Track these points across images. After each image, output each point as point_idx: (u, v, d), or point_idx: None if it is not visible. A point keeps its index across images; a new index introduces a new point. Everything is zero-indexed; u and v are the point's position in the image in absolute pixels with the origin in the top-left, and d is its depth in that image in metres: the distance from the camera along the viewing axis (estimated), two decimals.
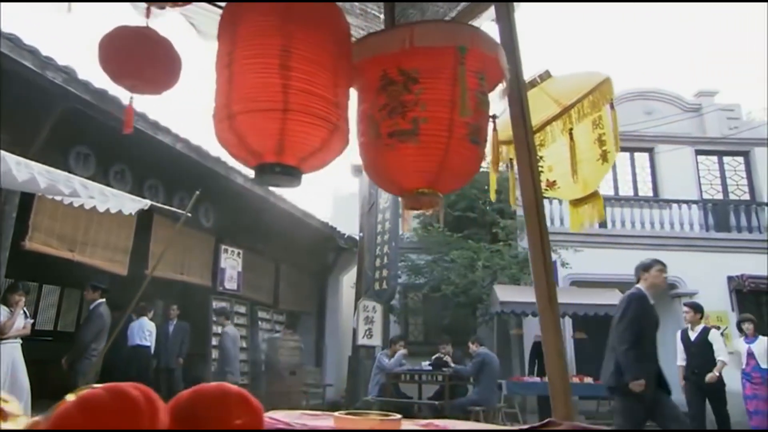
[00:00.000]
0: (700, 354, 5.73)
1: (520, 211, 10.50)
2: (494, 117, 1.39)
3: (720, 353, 5.69)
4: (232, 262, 8.97)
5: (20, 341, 5.28)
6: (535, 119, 1.81)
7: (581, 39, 43.07)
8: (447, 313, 10.14)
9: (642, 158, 12.68)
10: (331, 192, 15.17)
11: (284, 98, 1.07)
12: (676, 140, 12.23)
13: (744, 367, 5.51)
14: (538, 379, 7.73)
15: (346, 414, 1.08)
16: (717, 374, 5.62)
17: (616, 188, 12.29)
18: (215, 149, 8.69)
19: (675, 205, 11.40)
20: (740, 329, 5.96)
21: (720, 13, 41.56)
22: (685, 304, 5.94)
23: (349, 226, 10.76)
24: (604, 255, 10.53)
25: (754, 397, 5.22)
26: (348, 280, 12.16)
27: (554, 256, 9.52)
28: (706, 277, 10.43)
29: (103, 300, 5.49)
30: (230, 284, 8.85)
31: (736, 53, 40.11)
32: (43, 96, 5.53)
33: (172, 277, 7.80)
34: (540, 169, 2.37)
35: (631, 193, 12.25)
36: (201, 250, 8.43)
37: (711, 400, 5.50)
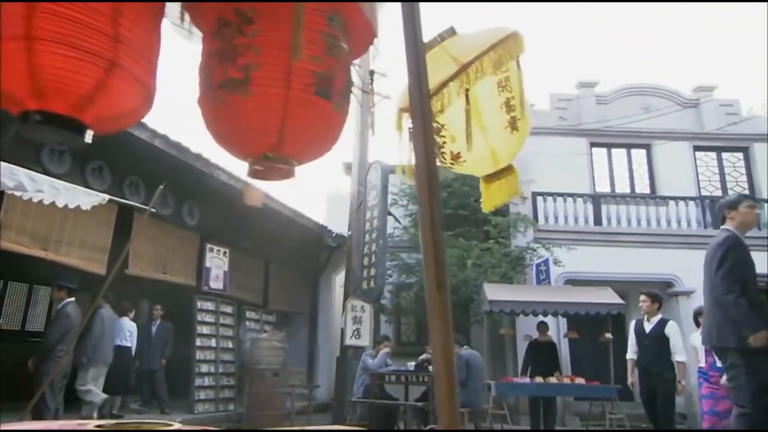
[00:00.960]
0: (654, 348, 5.30)
1: (513, 208, 10.34)
2: (372, 72, 1.21)
3: (676, 350, 5.29)
4: (218, 262, 8.80)
5: None
6: (433, 81, 1.58)
7: (578, 33, 42.77)
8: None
9: (639, 155, 12.46)
10: (326, 191, 15.01)
11: (27, 22, 0.88)
12: (674, 136, 12.01)
13: (701, 365, 5.02)
14: (528, 380, 7.54)
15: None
16: (683, 383, 5.34)
17: (612, 185, 12.08)
18: (196, 145, 8.55)
19: (672, 202, 11.17)
20: (697, 323, 5.11)
21: (720, 9, 41.18)
22: (642, 293, 5.49)
23: (343, 225, 10.58)
24: (600, 253, 10.33)
25: (711, 396, 4.75)
26: (340, 279, 11.97)
27: (546, 254, 9.32)
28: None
29: (72, 299, 5.33)
30: (216, 284, 8.67)
31: (735, 49, 39.75)
32: None
33: (153, 276, 7.64)
34: (442, 139, 2.15)
35: (627, 190, 12.03)
36: (185, 249, 8.27)
37: (659, 398, 5.15)
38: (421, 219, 1.10)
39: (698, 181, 12.03)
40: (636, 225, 10.93)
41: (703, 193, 11.88)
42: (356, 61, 10.59)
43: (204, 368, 8.16)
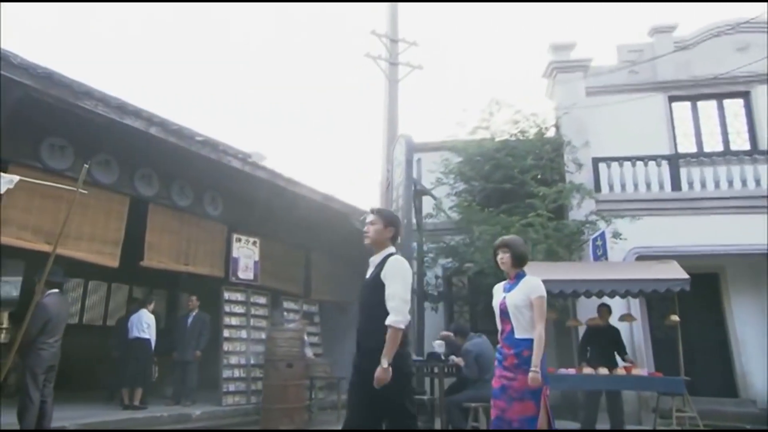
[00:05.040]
0: None
1: (568, 178, 9.11)
2: None
3: None
4: (246, 251, 8.65)
5: None
6: None
7: None
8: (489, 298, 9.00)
9: (735, 105, 10.47)
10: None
11: None
12: None
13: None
14: (572, 371, 6.47)
15: None
16: None
17: (699, 143, 10.24)
18: (202, 132, 8.43)
19: None
20: None
21: None
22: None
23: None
24: (680, 223, 8.79)
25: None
26: None
27: (602, 226, 8.04)
28: None
29: (55, 291, 5.31)
30: (245, 274, 8.53)
31: None
32: None
33: (173, 268, 7.63)
34: None
35: (720, 147, 10.13)
36: (209, 239, 8.19)
37: None
38: None
39: None
40: (727, 187, 9.15)
41: None
42: (382, 31, 9.95)
43: (233, 360, 8.04)
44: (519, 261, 3.67)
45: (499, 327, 3.66)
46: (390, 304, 2.92)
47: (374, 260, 3.19)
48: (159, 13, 35.77)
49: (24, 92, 5.55)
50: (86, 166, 4.33)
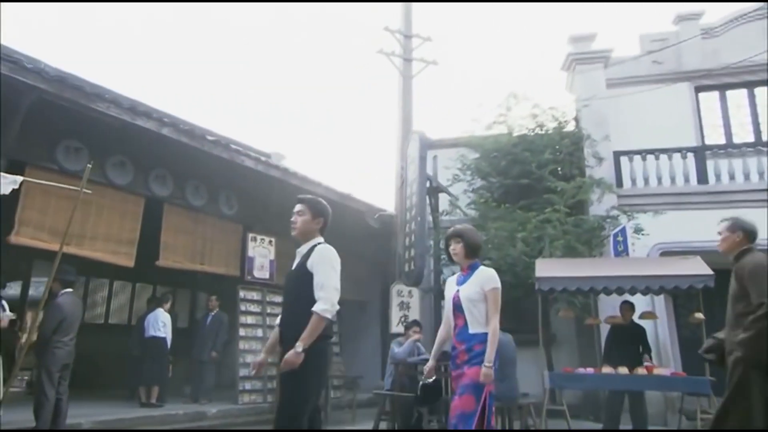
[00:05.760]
0: None
1: (589, 171, 8.85)
2: None
3: None
4: (262, 251, 8.67)
5: None
6: None
7: None
8: (513, 295, 8.81)
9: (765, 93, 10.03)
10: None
11: None
12: None
13: None
14: (590, 370, 6.26)
15: None
16: None
17: (728, 134, 9.83)
18: (215, 132, 8.47)
19: None
20: None
21: None
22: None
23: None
24: (705, 217, 8.37)
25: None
26: None
27: (623, 221, 7.78)
28: None
29: (68, 290, 5.39)
30: (261, 273, 8.55)
31: None
32: (14, 90, 5.58)
33: (189, 267, 7.69)
34: None
35: (751, 138, 9.70)
36: (225, 239, 8.23)
37: None
38: None
39: None
40: (757, 180, 8.76)
41: None
42: (395, 27, 9.83)
43: (249, 358, 8.03)
44: (472, 251, 3.45)
45: (452, 322, 3.43)
46: (319, 294, 2.79)
47: (301, 251, 3.07)
48: (167, 12, 36.40)
49: (38, 96, 5.66)
50: (89, 165, 4.39)
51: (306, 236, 3.09)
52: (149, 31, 33.89)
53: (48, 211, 6.17)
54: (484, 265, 8.08)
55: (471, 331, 3.26)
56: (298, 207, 3.14)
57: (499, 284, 3.32)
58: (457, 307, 3.37)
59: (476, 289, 3.30)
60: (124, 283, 11.57)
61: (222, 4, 33.40)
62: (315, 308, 2.76)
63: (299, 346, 2.68)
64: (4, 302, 5.54)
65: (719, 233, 3.73)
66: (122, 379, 8.79)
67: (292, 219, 3.12)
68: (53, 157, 6.28)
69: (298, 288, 2.91)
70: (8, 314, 5.50)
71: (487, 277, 3.34)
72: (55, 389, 5.11)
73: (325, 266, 2.88)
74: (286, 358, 2.69)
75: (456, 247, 3.46)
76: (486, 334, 3.19)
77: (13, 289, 10.40)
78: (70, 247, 6.41)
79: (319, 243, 3.03)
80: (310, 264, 2.91)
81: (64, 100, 5.79)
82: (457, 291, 3.40)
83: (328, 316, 2.77)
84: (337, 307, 2.84)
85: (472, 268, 3.43)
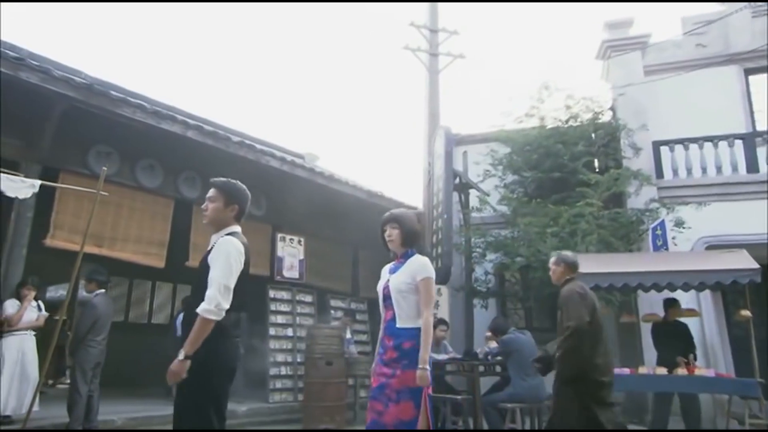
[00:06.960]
0: None
1: (626, 162, 8.45)
2: None
3: None
4: (291, 250, 8.73)
5: (33, 333, 5.61)
6: None
7: None
8: (545, 293, 8.53)
9: None
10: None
11: None
12: None
13: None
14: (627, 371, 5.94)
15: None
16: None
17: None
18: (240, 133, 8.55)
19: None
20: None
21: None
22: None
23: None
24: (756, 208, 7.90)
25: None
26: None
27: (663, 214, 7.37)
28: None
29: (102, 291, 5.55)
30: (290, 273, 8.61)
31: None
32: (45, 99, 5.81)
33: None
34: None
35: None
36: (254, 238, 8.14)
37: None
38: None
39: None
40: None
41: None
42: (420, 22, 9.68)
43: (280, 357, 8.11)
44: (409, 239, 3.12)
45: (382, 315, 3.13)
46: (207, 292, 2.45)
47: (212, 241, 2.71)
48: (197, 12, 37.34)
49: (68, 104, 5.87)
50: (104, 168, 4.50)
51: (218, 225, 2.73)
52: (190, 32, 34.93)
53: (81, 215, 6.39)
54: (513, 262, 7.84)
55: (399, 325, 2.94)
56: (210, 192, 2.79)
57: (433, 274, 3.00)
58: (387, 299, 3.05)
59: (407, 279, 2.97)
60: (164, 284, 11.92)
61: (237, 5, 33.84)
62: (198, 309, 2.44)
63: (181, 354, 2.40)
64: (40, 302, 5.77)
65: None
66: (161, 378, 9.04)
67: (203, 206, 2.77)
68: (85, 162, 6.50)
69: (198, 284, 2.58)
70: (43, 313, 5.73)
71: (419, 266, 3.01)
72: (87, 386, 5.27)
73: (221, 261, 2.50)
74: (170, 368, 2.39)
75: (392, 233, 3.14)
76: (416, 329, 2.88)
77: (62, 291, 10.89)
78: (103, 249, 6.67)
79: (229, 233, 2.67)
80: (210, 257, 2.57)
81: (93, 107, 5.98)
82: (387, 281, 3.08)
83: (211, 317, 2.41)
84: (225, 306, 2.45)
85: (405, 257, 3.11)
